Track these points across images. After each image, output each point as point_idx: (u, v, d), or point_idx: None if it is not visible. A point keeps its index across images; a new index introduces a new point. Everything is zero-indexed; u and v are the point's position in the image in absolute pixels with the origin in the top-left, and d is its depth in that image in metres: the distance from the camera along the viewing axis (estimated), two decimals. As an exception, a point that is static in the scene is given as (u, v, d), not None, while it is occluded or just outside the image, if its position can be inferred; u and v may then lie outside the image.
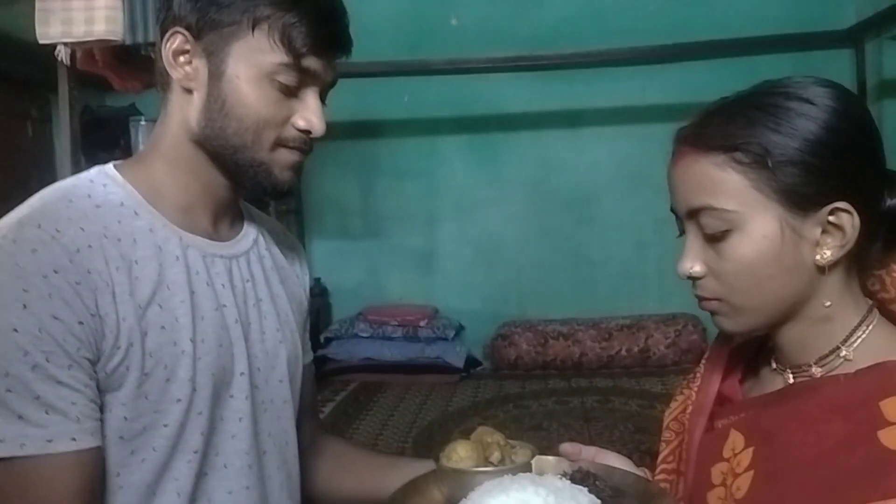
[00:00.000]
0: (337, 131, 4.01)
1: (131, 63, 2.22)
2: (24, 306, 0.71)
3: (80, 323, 0.73)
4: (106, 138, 3.13)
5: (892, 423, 0.64)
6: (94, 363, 0.75)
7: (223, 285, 0.88)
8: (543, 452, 0.91)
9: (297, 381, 0.98)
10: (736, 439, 0.76)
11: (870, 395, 0.67)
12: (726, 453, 0.76)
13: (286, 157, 0.85)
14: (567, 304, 3.67)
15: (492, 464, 0.83)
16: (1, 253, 0.73)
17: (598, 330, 3.47)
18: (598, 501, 0.75)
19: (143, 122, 3.11)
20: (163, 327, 0.79)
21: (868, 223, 0.70)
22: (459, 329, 3.58)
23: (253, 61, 0.81)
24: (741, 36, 3.10)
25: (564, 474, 0.82)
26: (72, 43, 2.06)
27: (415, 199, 3.80)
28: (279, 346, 0.93)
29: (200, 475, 0.83)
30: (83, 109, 3.28)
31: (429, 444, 2.55)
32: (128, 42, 2.04)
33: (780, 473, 0.70)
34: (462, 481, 0.80)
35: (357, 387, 3.28)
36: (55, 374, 0.72)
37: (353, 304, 3.68)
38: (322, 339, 3.51)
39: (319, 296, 3.77)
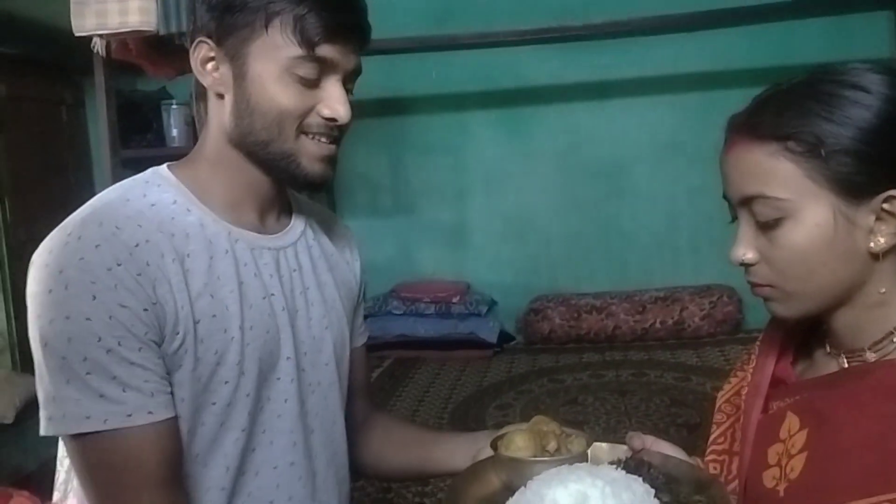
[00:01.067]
0: (366, 109, 4.01)
1: (164, 51, 2.23)
2: (94, 297, 0.77)
3: (145, 310, 0.79)
4: (138, 122, 3.16)
5: None
6: (159, 345, 0.81)
7: (271, 276, 0.92)
8: (579, 428, 0.92)
9: (345, 365, 1.02)
10: (792, 421, 0.77)
11: None
12: (783, 434, 0.78)
13: (312, 147, 0.87)
14: (599, 277, 3.67)
15: (548, 453, 0.85)
16: (67, 249, 0.79)
17: (631, 303, 3.46)
18: (652, 490, 0.76)
19: (174, 106, 3.14)
20: (214, 316, 0.84)
21: None
22: (492, 304, 3.60)
23: (271, 58, 0.84)
24: (774, 0, 3.03)
25: (619, 462, 0.84)
26: (107, 34, 2.08)
27: (444, 175, 3.80)
28: (325, 331, 0.97)
29: (248, 450, 0.88)
30: (116, 94, 3.32)
31: (465, 418, 2.58)
32: (161, 32, 2.06)
33: (832, 455, 0.71)
34: (520, 470, 0.82)
35: (392, 363, 3.32)
36: (128, 356, 0.78)
37: (386, 281, 3.70)
38: (356, 317, 3.55)
39: (352, 273, 3.80)
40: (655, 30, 3.24)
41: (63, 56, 2.96)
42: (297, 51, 0.83)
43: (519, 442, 0.86)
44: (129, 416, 0.77)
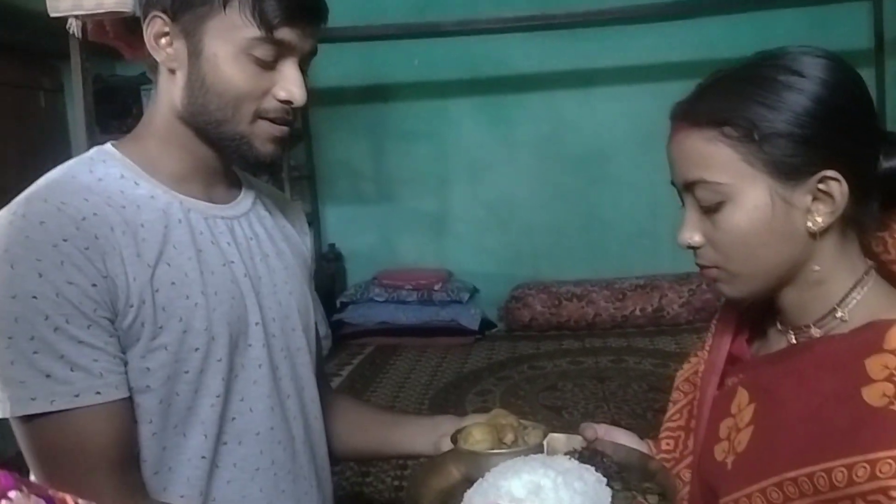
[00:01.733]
0: (347, 95, 4.00)
1: (142, 33, 2.21)
2: (40, 275, 0.76)
3: (94, 285, 0.78)
4: (117, 107, 3.14)
5: (875, 381, 0.67)
6: (112, 321, 0.80)
7: (228, 243, 0.93)
8: (558, 413, 0.94)
9: (311, 332, 1.04)
10: (742, 396, 0.80)
11: (857, 354, 0.69)
12: (734, 409, 0.80)
13: (267, 129, 0.88)
14: (580, 265, 3.69)
15: (506, 445, 0.87)
16: (12, 228, 0.78)
17: (611, 290, 3.49)
18: (604, 478, 0.78)
19: (154, 91, 3.11)
20: (173, 283, 0.85)
21: (860, 188, 0.72)
22: (473, 292, 3.61)
23: (228, 38, 0.84)
24: (756, -10, 3.04)
25: (574, 452, 0.86)
26: (82, 15, 2.06)
27: (427, 162, 3.80)
28: (290, 297, 0.99)
29: (227, 419, 0.89)
30: (94, 79, 3.28)
31: (445, 404, 2.60)
32: (138, 13, 2.03)
33: (775, 428, 0.74)
34: (478, 462, 0.84)
35: (373, 350, 3.33)
36: (76, 334, 0.77)
37: (368, 269, 3.71)
38: (338, 304, 3.56)
39: (334, 261, 3.80)
40: (638, 18, 3.25)
41: (40, 40, 2.93)
42: (255, 32, 0.83)
43: (477, 435, 0.88)
44: (77, 396, 0.76)
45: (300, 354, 0.99)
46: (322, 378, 1.14)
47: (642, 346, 3.11)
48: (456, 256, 3.78)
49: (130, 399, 0.82)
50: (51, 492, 0.40)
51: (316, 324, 1.11)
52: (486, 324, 3.57)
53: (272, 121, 0.87)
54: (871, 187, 0.73)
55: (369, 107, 3.77)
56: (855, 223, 0.75)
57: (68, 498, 0.41)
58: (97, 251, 0.79)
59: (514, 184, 3.75)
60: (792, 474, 0.69)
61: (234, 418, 0.90)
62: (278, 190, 1.14)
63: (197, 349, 0.85)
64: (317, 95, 3.90)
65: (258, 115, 0.86)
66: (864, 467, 0.64)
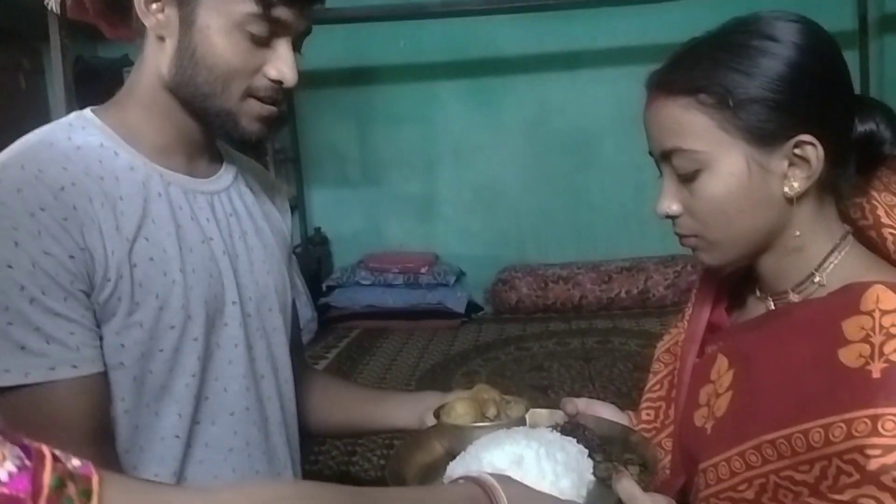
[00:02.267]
0: (332, 78, 3.96)
1: (122, 11, 2.18)
2: (16, 244, 0.74)
3: (71, 257, 0.77)
4: (100, 89, 3.08)
5: (851, 342, 0.68)
6: (88, 295, 0.79)
7: (207, 219, 0.91)
8: (544, 393, 0.95)
9: (288, 312, 1.03)
10: (721, 363, 0.80)
11: (834, 317, 0.70)
12: (713, 376, 0.81)
13: (255, 108, 0.86)
14: (567, 248, 3.69)
15: (488, 419, 0.87)
16: None
17: (597, 273, 3.50)
18: (586, 450, 0.79)
19: (139, 58, 3.07)
20: (151, 259, 0.83)
21: (835, 152, 0.72)
22: (460, 275, 3.62)
23: (223, 11, 0.82)
24: (742, -29, 3.03)
25: (556, 426, 0.86)
26: (60, -10, 2.02)
27: (413, 145, 3.78)
28: (267, 277, 0.98)
29: (201, 398, 0.88)
30: (76, 60, 3.23)
31: (432, 387, 2.60)
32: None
33: (753, 392, 0.75)
34: (461, 436, 0.85)
35: (360, 333, 3.33)
36: (52, 306, 0.75)
37: (354, 252, 3.70)
38: (324, 288, 3.55)
39: (320, 244, 3.79)
40: (625, 0, 3.24)
41: (20, 21, 2.89)
42: (252, 7, 0.81)
43: (459, 409, 0.89)
44: (53, 369, 0.75)
45: (276, 335, 0.99)
46: (300, 357, 1.14)
47: (628, 328, 3.13)
48: (442, 239, 3.78)
49: (106, 374, 0.81)
50: (27, 441, 0.40)
51: (294, 303, 1.11)
52: (472, 307, 3.57)
53: (261, 100, 0.86)
54: (846, 151, 0.74)
55: (355, 89, 3.75)
56: (832, 188, 0.76)
57: (45, 448, 0.41)
58: (75, 222, 0.78)
59: (500, 167, 3.74)
60: (770, 437, 0.70)
61: (208, 398, 0.89)
62: (260, 165, 1.13)
63: (173, 327, 0.84)
64: (302, 78, 3.85)
65: (248, 94, 0.85)
66: (841, 427, 0.65)
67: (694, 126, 0.73)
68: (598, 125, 3.64)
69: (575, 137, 3.67)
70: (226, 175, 0.98)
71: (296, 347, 1.12)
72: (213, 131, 0.90)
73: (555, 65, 3.65)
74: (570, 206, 3.73)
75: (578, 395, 0.97)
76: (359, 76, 3.72)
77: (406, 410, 1.03)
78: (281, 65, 0.85)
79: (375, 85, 3.75)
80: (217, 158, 0.99)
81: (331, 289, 3.55)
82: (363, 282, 3.50)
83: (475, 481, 0.65)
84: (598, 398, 0.96)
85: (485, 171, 3.75)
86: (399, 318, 3.42)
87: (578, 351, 2.88)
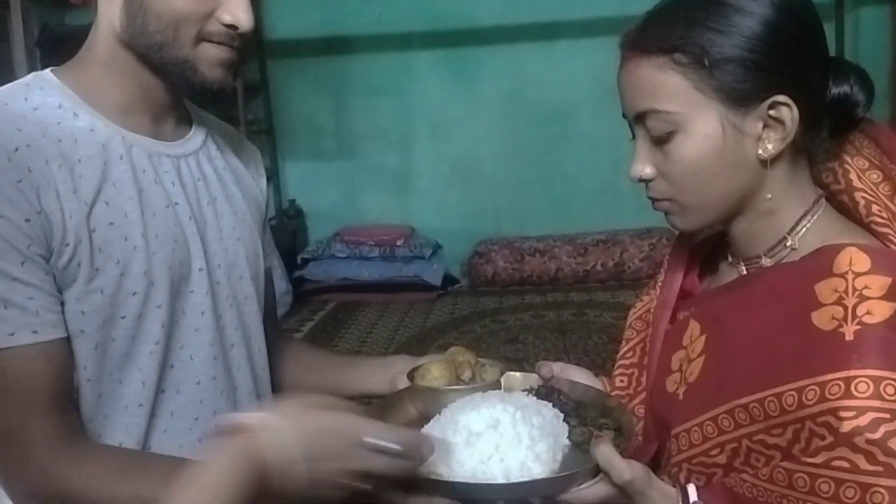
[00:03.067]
0: (306, 48, 3.91)
1: (87, -24, 2.12)
2: None
3: (27, 220, 0.74)
4: (66, 56, 3.01)
5: (824, 305, 0.67)
6: (47, 259, 0.76)
7: (172, 183, 0.88)
8: (519, 365, 0.93)
9: (260, 280, 1.00)
10: (693, 328, 0.80)
11: (807, 280, 0.69)
12: (685, 341, 0.80)
13: (212, 53, 0.82)
14: (543, 221, 3.70)
15: (463, 382, 0.86)
16: None
17: (573, 245, 3.51)
18: (561, 414, 0.78)
19: (95, 15, 2.99)
20: (111, 223, 0.80)
21: (809, 115, 0.71)
22: (436, 248, 3.60)
23: None
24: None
25: (531, 389, 0.85)
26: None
27: (388, 118, 3.74)
28: (237, 244, 0.95)
29: (166, 366, 0.86)
30: (42, 28, 3.15)
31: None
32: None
33: (725, 357, 0.74)
34: (435, 399, 0.83)
35: (335, 306, 3.32)
36: (9, 271, 0.73)
37: (329, 225, 3.67)
38: (299, 261, 3.52)
39: (295, 217, 3.75)
40: (601, -30, 3.21)
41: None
42: None
43: (434, 372, 0.87)
44: (12, 335, 0.73)
45: (248, 303, 0.96)
46: (274, 325, 1.12)
47: (603, 300, 3.15)
48: (419, 212, 3.76)
49: (69, 340, 0.79)
50: None
51: (269, 271, 1.08)
52: (449, 280, 3.57)
53: (216, 45, 0.83)
54: (820, 114, 0.73)
55: (329, 59, 3.69)
56: (805, 152, 0.75)
57: None
58: (30, 185, 0.75)
59: (477, 140, 3.72)
60: (743, 401, 0.69)
61: (173, 366, 0.87)
62: (233, 128, 1.08)
63: (135, 294, 0.81)
64: (275, 47, 3.81)
65: (201, 38, 0.81)
66: (814, 390, 0.64)
67: (668, 86, 0.71)
68: (574, 98, 3.62)
69: (551, 110, 3.65)
70: (195, 138, 0.94)
71: (270, 315, 1.09)
72: (174, 83, 0.86)
73: (532, 35, 3.62)
74: (547, 179, 3.72)
75: (554, 365, 0.95)
76: (333, 46, 3.66)
77: (377, 375, 1.01)
78: (234, 8, 0.81)
79: (350, 55, 3.70)
80: (186, 121, 0.95)
81: (306, 262, 3.52)
82: (339, 255, 3.48)
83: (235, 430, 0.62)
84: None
85: (461, 143, 3.72)
86: (375, 292, 3.41)
87: (554, 323, 2.89)
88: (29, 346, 0.74)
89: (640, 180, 0.77)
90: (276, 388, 1.08)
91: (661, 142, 0.73)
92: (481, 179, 3.75)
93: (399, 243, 3.48)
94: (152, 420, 0.85)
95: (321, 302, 3.38)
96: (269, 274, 1.07)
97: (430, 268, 3.44)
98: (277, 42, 3.63)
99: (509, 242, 3.56)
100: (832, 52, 0.76)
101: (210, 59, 0.82)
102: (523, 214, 3.74)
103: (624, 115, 0.78)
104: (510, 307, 3.16)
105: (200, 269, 0.89)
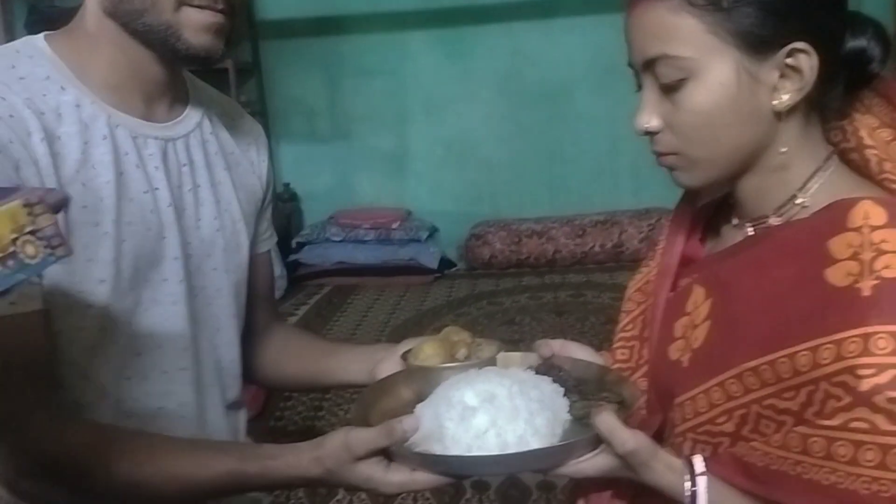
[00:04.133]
0: (299, 28, 3.84)
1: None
2: None
3: None
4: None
5: (838, 261, 0.64)
6: None
7: (156, 167, 0.85)
8: (515, 346, 0.90)
9: (237, 273, 0.96)
10: (698, 294, 0.77)
11: (819, 236, 0.66)
12: (689, 308, 0.77)
13: (195, 17, 0.79)
14: (541, 202, 3.65)
15: (458, 360, 0.83)
16: None
17: (571, 227, 3.47)
18: (561, 389, 0.75)
19: None
20: (84, 207, 0.78)
21: (827, 66, 0.68)
22: (433, 230, 3.56)
23: None
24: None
25: (530, 368, 0.82)
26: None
27: (383, 98, 3.69)
28: (216, 234, 0.92)
29: (133, 354, 0.84)
30: (30, 10, 3.09)
31: (402, 341, 2.57)
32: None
33: (734, 320, 0.71)
34: (430, 378, 0.80)
35: (331, 290, 3.28)
36: None
37: (324, 208, 3.63)
38: (294, 244, 3.48)
39: (289, 200, 3.71)
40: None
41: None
42: None
43: (428, 350, 0.84)
44: None
45: (220, 295, 0.93)
46: (269, 310, 1.09)
47: (602, 281, 3.11)
48: (414, 195, 3.71)
49: (48, 313, 0.76)
50: None
51: (267, 255, 1.05)
52: (445, 262, 3.53)
53: (200, 8, 0.79)
54: (837, 67, 0.70)
55: (322, 39, 3.63)
56: (818, 107, 0.72)
57: None
58: (9, 157, 0.72)
59: (473, 120, 3.67)
60: (752, 364, 0.66)
61: (139, 353, 0.84)
62: (238, 107, 1.04)
63: (103, 281, 0.79)
64: (268, 28, 3.75)
65: (182, 2, 0.78)
66: (830, 348, 0.61)
67: (682, 30, 0.67)
68: (571, 76, 3.57)
69: (549, 89, 3.60)
70: (188, 119, 0.90)
71: (266, 298, 1.07)
72: (161, 53, 0.82)
73: (528, 13, 3.56)
74: (544, 159, 3.67)
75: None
76: (327, 26, 3.60)
77: (356, 364, 0.97)
78: None
79: (344, 35, 3.64)
80: (182, 100, 0.91)
81: (301, 245, 3.48)
82: (334, 238, 3.44)
83: None
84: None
85: (457, 124, 3.67)
86: (370, 275, 3.37)
87: (551, 305, 2.86)
88: (7, 318, 0.72)
89: (646, 133, 0.73)
90: (257, 369, 1.05)
91: (670, 90, 0.69)
92: (477, 161, 3.71)
93: (395, 226, 3.43)
94: (118, 405, 0.83)
95: (316, 286, 3.34)
96: (265, 258, 1.05)
97: (426, 251, 3.41)
98: (270, 22, 3.57)
99: (506, 224, 3.53)
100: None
101: (194, 23, 0.79)
102: (520, 196, 3.70)
103: (630, 65, 0.73)
104: (507, 289, 3.13)
105: (175, 258, 0.86)
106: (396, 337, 2.60)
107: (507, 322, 2.68)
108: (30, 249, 0.51)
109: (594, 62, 3.48)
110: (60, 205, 0.57)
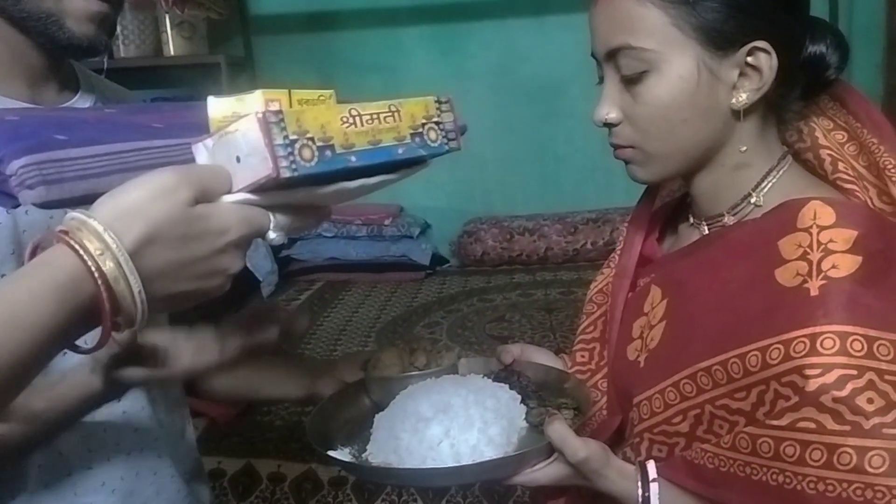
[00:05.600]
0: (291, 23, 3.82)
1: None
2: None
3: None
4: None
5: (788, 261, 0.65)
6: None
7: None
8: (503, 343, 0.91)
9: None
10: (655, 294, 0.78)
11: (770, 236, 0.67)
12: (646, 308, 0.78)
13: (79, 5, 0.77)
14: (533, 200, 3.65)
15: (417, 368, 0.83)
16: None
17: (563, 224, 3.47)
18: (519, 396, 0.76)
19: None
20: None
21: (786, 69, 0.68)
22: (425, 227, 3.57)
23: None
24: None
25: (490, 374, 0.83)
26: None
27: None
28: None
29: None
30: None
31: (392, 337, 2.58)
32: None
33: (687, 319, 0.72)
34: (389, 387, 0.81)
35: (322, 286, 3.28)
36: None
37: (317, 204, 3.63)
38: (286, 240, 3.48)
39: (282, 196, 3.71)
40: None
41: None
42: None
43: (386, 360, 0.85)
44: None
45: None
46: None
47: (592, 279, 3.11)
48: (408, 192, 3.70)
49: None
50: None
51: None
52: (437, 259, 3.53)
53: None
54: (795, 70, 0.71)
55: (315, 36, 3.62)
56: (776, 109, 0.73)
57: None
58: None
59: (466, 117, 3.57)
60: (705, 364, 0.67)
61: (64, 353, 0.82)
62: (130, 91, 1.00)
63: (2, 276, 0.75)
64: (260, 23, 3.75)
65: None
66: (778, 348, 0.62)
67: (646, 21, 0.68)
68: (564, 74, 3.56)
69: (541, 86, 3.59)
70: (81, 102, 0.86)
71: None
72: (41, 41, 0.79)
73: (521, 10, 3.55)
74: (537, 156, 3.67)
75: (539, 345, 0.93)
76: (320, 21, 3.60)
77: (291, 379, 0.96)
78: None
79: (337, 31, 3.63)
80: (71, 87, 0.88)
81: (292, 241, 3.48)
82: (326, 234, 3.44)
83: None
84: (559, 347, 0.93)
85: (450, 121, 3.66)
86: (362, 271, 3.37)
87: (541, 302, 2.86)
88: None
89: (605, 124, 0.73)
90: (201, 385, 1.03)
91: (631, 82, 0.70)
92: (470, 157, 3.70)
93: (387, 222, 3.44)
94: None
95: (308, 282, 3.34)
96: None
97: (418, 247, 3.41)
98: (262, 17, 3.57)
99: (498, 221, 3.53)
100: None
101: (77, 12, 0.76)
102: (513, 193, 3.70)
103: (593, 55, 0.74)
104: (498, 286, 3.13)
105: None
106: (386, 334, 2.62)
107: (497, 319, 2.68)
108: (433, 135, 0.64)
109: (587, 59, 3.43)
110: (463, 129, 0.69)
